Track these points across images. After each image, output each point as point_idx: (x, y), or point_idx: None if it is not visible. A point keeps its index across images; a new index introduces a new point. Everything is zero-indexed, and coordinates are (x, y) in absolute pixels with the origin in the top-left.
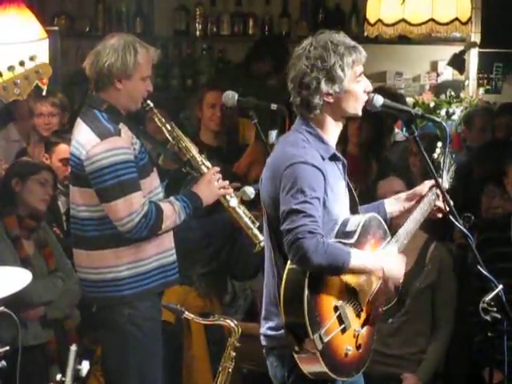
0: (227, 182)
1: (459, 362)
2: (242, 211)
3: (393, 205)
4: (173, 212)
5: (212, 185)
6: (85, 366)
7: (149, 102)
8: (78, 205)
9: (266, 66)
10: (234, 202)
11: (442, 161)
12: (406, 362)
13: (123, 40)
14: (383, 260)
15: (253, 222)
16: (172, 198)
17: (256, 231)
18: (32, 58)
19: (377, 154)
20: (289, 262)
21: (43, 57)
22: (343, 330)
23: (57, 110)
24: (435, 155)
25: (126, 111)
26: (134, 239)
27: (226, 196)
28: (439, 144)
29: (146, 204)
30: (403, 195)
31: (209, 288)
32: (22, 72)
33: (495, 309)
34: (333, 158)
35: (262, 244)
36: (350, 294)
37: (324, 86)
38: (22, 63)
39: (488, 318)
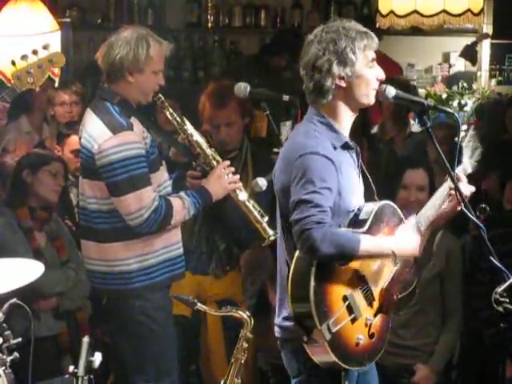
0: (237, 177)
1: (473, 354)
2: (251, 205)
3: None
4: (182, 207)
5: (222, 179)
6: (97, 358)
7: (160, 95)
8: (88, 197)
9: (283, 60)
10: (243, 196)
11: (464, 145)
12: (418, 352)
13: (136, 33)
14: (393, 242)
15: (262, 216)
16: (182, 193)
17: (265, 225)
18: (45, 47)
19: (365, 132)
20: (297, 251)
21: (55, 49)
22: (353, 320)
23: (78, 98)
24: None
25: (137, 104)
26: (144, 233)
27: (236, 190)
28: (464, 127)
29: (156, 199)
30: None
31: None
32: (36, 61)
33: (508, 300)
34: (345, 146)
35: (271, 238)
36: (361, 283)
37: (336, 68)
38: (34, 52)
39: (500, 308)
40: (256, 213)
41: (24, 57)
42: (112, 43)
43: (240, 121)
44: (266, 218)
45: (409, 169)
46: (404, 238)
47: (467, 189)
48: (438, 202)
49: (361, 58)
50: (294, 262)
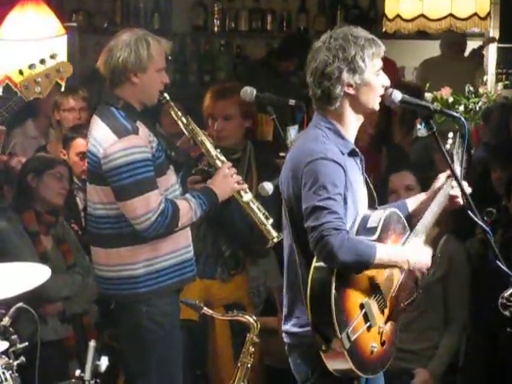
0: (241, 177)
1: (480, 357)
2: (255, 207)
3: (414, 204)
4: (189, 209)
5: (227, 180)
6: (104, 362)
7: (165, 94)
8: (95, 203)
9: (291, 64)
10: (247, 197)
11: (454, 152)
12: (418, 356)
13: (135, 35)
14: (409, 252)
15: (266, 218)
16: (188, 195)
17: (269, 227)
18: (53, 56)
19: (387, 144)
20: (314, 259)
21: (62, 53)
22: (369, 328)
23: (86, 104)
24: (447, 146)
25: (143, 106)
26: (151, 237)
27: (240, 191)
28: (450, 134)
29: (162, 202)
30: (423, 195)
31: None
32: (43, 70)
33: None
34: (352, 153)
35: (275, 240)
36: (375, 291)
37: (346, 76)
38: (42, 61)
39: (507, 313)
40: (260, 214)
41: (32, 66)
42: (112, 48)
43: (239, 118)
44: (271, 220)
45: (392, 174)
46: (417, 249)
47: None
48: (436, 209)
49: (370, 66)
50: (311, 271)
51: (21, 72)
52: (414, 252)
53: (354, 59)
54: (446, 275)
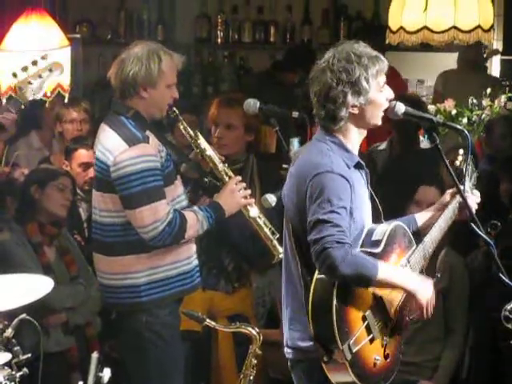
0: (249, 192)
1: (483, 368)
2: (262, 222)
3: (424, 219)
4: (196, 221)
5: (234, 194)
6: (106, 374)
7: (174, 109)
8: (101, 210)
9: (296, 76)
10: (254, 212)
11: (464, 168)
12: (421, 369)
13: (147, 48)
14: (413, 280)
15: (273, 233)
16: (196, 208)
17: (275, 242)
18: (44, 57)
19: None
20: (316, 272)
21: (65, 64)
22: (371, 340)
23: (88, 116)
24: (457, 162)
25: (151, 119)
26: (156, 247)
27: (247, 206)
28: (461, 151)
29: (170, 212)
30: (431, 209)
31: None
32: (36, 72)
33: None
34: (357, 166)
35: (280, 256)
36: (378, 304)
37: (350, 99)
38: (34, 62)
39: (510, 325)
40: (267, 229)
41: (25, 68)
42: (123, 60)
43: (241, 129)
44: (277, 235)
45: (423, 185)
46: (422, 283)
47: (474, 200)
48: (444, 225)
49: (374, 85)
50: (313, 283)
51: (14, 75)
52: (418, 282)
53: (358, 81)
54: (447, 287)
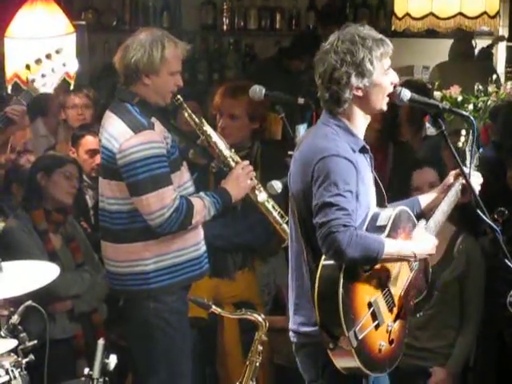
0: (254, 174)
1: (489, 356)
2: (270, 206)
3: (427, 201)
4: (203, 207)
5: (240, 180)
6: (112, 360)
7: (179, 96)
8: (108, 197)
9: (302, 62)
10: (262, 196)
11: (467, 149)
12: (435, 355)
13: (151, 35)
14: (413, 244)
15: (282, 217)
16: (202, 194)
17: (285, 226)
18: (58, 51)
19: (393, 139)
20: (322, 257)
21: (71, 51)
22: (377, 326)
23: (90, 102)
24: (460, 143)
25: (155, 106)
26: (164, 234)
27: (255, 191)
28: (463, 132)
29: (177, 198)
30: (435, 190)
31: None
32: (49, 65)
33: None
34: (362, 150)
35: None
36: (383, 289)
37: (354, 80)
38: (48, 56)
39: None
40: (275, 213)
41: (38, 61)
42: (128, 46)
43: (245, 119)
44: (286, 219)
45: (415, 170)
46: (421, 239)
47: (477, 181)
48: (447, 208)
49: (378, 68)
50: (319, 270)
51: (28, 67)
52: (418, 243)
53: (362, 63)
54: (464, 274)
